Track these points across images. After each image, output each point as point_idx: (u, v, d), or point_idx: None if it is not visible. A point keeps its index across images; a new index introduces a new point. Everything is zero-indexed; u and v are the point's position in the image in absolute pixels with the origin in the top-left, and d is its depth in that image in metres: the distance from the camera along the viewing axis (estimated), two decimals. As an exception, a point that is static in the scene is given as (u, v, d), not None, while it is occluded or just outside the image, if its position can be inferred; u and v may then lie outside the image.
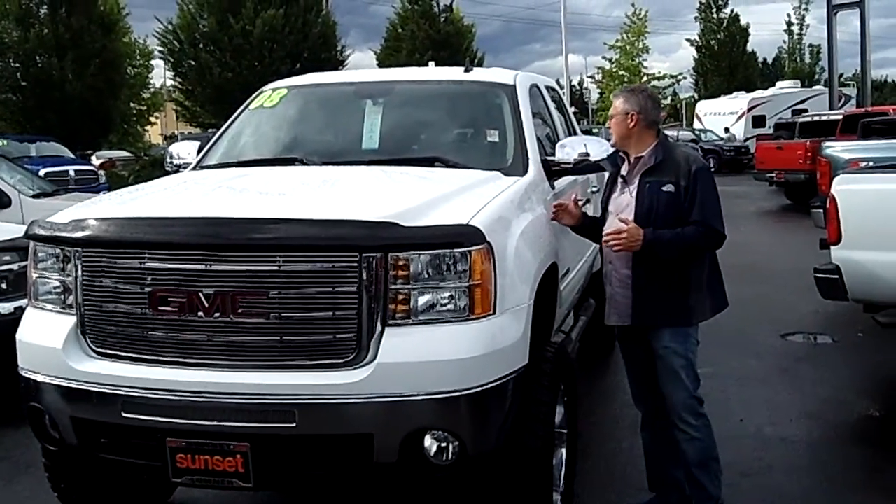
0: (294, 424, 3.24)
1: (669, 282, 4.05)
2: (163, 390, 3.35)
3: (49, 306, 3.68)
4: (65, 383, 3.52)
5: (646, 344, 4.18)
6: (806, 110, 30.61)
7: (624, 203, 4.15)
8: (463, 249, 3.28)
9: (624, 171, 4.23)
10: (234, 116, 5.43)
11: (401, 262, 3.25)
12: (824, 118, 21.20)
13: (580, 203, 4.30)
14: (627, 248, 3.97)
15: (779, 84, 41.99)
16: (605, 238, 4.05)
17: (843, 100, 35.41)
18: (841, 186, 6.12)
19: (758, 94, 39.57)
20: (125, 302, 3.44)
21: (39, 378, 3.61)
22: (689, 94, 58.36)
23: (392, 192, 3.97)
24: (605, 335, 7.14)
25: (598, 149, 4.61)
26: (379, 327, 3.26)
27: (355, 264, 3.22)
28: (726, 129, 36.69)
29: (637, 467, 4.85)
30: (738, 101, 38.50)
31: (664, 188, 4.02)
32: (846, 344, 7.85)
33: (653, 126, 4.16)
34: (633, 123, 4.11)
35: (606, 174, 6.46)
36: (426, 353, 3.26)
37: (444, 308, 3.31)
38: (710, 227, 4.01)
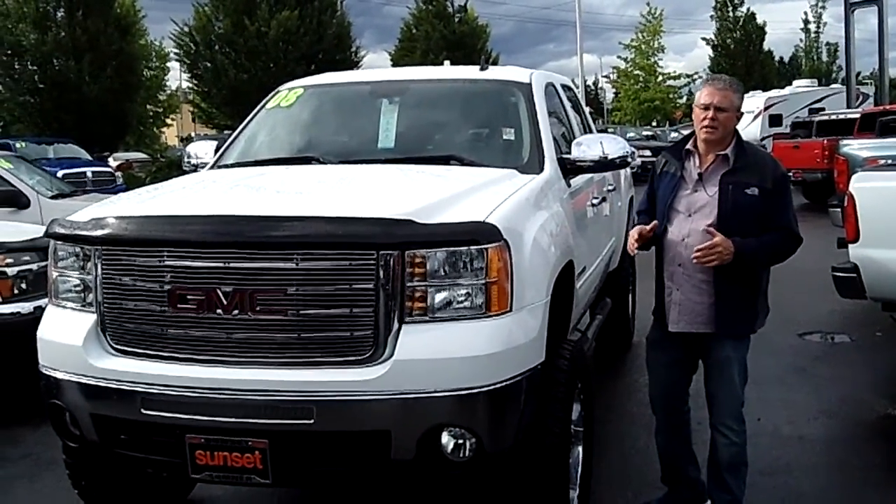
0: (312, 421, 3.26)
1: (748, 288, 3.98)
2: (182, 387, 3.37)
3: (69, 304, 3.71)
4: (85, 380, 3.55)
5: (687, 352, 4.13)
6: (823, 109, 30.36)
7: (699, 203, 3.96)
8: (479, 247, 3.28)
9: (695, 167, 4.01)
10: (250, 116, 5.46)
11: (417, 260, 3.25)
12: (841, 117, 21.00)
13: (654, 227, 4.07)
14: (721, 261, 3.80)
15: (795, 83, 41.60)
16: (696, 254, 3.82)
17: (860, 98, 35.10)
18: (859, 184, 6.08)
19: (774, 93, 39.19)
20: (144, 299, 3.46)
21: (60, 375, 3.64)
22: (704, 93, 58.06)
23: (408, 190, 3.98)
24: (621, 335, 7.16)
25: (614, 147, 4.60)
26: (396, 324, 3.26)
27: (372, 262, 3.23)
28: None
29: (653, 465, 4.82)
30: (755, 101, 38.07)
31: (748, 191, 3.86)
32: (864, 343, 7.81)
33: None
34: (737, 122, 3.96)
35: (624, 172, 6.47)
36: (443, 351, 3.26)
37: (461, 305, 3.31)
38: (795, 233, 3.96)
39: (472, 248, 3.28)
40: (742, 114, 3.97)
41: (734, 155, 3.93)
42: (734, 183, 3.89)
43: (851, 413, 5.96)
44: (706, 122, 3.88)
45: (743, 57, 55.17)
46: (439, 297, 3.29)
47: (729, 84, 3.96)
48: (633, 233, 4.06)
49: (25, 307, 6.03)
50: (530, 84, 5.13)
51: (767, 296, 4.16)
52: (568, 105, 5.91)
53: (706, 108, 3.89)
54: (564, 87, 6.15)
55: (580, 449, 4.18)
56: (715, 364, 4.07)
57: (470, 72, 5.58)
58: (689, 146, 4.05)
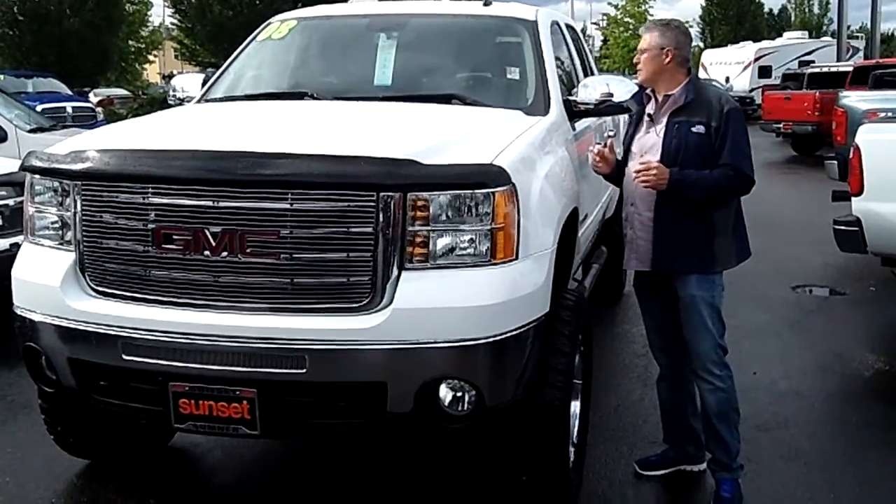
0: (304, 370, 3.10)
1: (692, 226, 3.87)
2: (166, 332, 3.19)
3: (46, 242, 3.51)
4: (62, 323, 3.36)
5: (668, 292, 4.02)
6: (813, 62, 30.27)
7: (649, 143, 3.95)
8: (486, 190, 3.10)
9: (650, 109, 4.02)
10: (240, 49, 5.21)
11: (420, 203, 3.08)
12: (833, 69, 20.95)
13: (613, 147, 4.10)
14: (655, 185, 3.77)
15: (786, 34, 41.51)
16: (633, 174, 3.84)
17: (850, 51, 34.99)
18: (866, 136, 5.95)
19: (765, 44, 39.10)
20: (127, 239, 3.26)
21: (36, 317, 3.45)
22: (694, 43, 57.76)
23: (409, 129, 3.75)
24: (612, 284, 7.03)
25: (621, 89, 4.41)
26: (395, 271, 3.09)
27: (372, 204, 3.05)
28: (727, 80, 36.32)
29: (648, 419, 4.76)
30: (745, 51, 38.03)
31: (694, 129, 3.82)
32: (858, 297, 7.74)
33: (685, 64, 3.95)
34: (668, 60, 3.88)
35: (624, 117, 6.29)
36: (444, 299, 3.10)
37: (465, 252, 3.14)
38: (740, 170, 3.82)
39: (477, 191, 3.10)
40: (668, 51, 3.89)
41: (684, 94, 3.90)
42: (680, 122, 3.87)
43: (847, 368, 5.88)
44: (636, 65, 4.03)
45: (734, 7, 54.85)
46: (442, 242, 3.12)
47: (653, 24, 4.05)
48: (594, 149, 4.12)
49: (1, 244, 5.85)
50: (536, 21, 4.92)
51: (741, 239, 4.05)
52: (571, 45, 5.69)
53: (638, 53, 4.03)
54: (568, 26, 5.93)
55: (577, 403, 4.05)
56: (682, 305, 3.97)
57: (473, 7, 5.33)
58: (648, 90, 4.05)
